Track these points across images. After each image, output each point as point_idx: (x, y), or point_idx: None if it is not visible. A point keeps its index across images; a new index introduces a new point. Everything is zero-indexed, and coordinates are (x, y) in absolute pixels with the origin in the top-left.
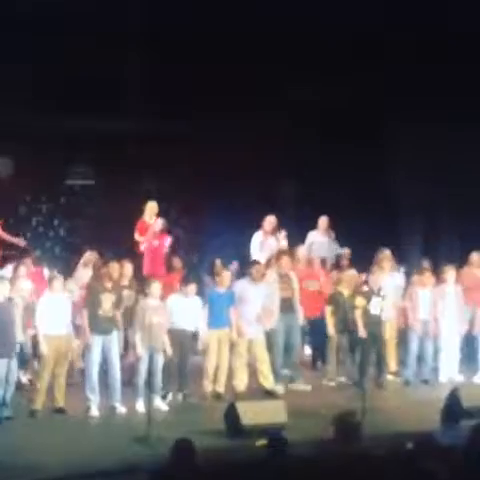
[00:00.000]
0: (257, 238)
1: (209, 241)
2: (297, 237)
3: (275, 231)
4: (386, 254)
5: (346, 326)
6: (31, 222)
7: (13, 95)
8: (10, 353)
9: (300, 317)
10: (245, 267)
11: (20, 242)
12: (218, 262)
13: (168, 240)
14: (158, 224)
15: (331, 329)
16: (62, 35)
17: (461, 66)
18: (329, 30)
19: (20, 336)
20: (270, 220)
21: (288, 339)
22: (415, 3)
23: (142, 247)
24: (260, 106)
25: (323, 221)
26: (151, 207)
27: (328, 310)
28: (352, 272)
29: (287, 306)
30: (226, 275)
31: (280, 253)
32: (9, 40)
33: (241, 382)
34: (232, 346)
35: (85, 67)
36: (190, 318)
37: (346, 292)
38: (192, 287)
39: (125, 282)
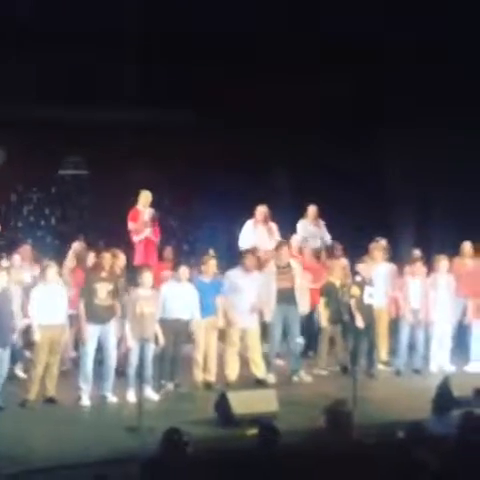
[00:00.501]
0: (248, 227)
1: (200, 230)
2: (289, 227)
3: (266, 221)
4: (379, 244)
5: (339, 316)
6: (22, 211)
7: (6, 85)
8: (3, 343)
9: (300, 308)
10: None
11: None
12: (211, 251)
13: (158, 231)
14: (148, 213)
15: (324, 320)
16: (59, 25)
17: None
18: (327, 25)
19: (20, 325)
20: (261, 209)
21: (287, 331)
22: None
23: (135, 238)
24: (252, 96)
25: (312, 210)
26: (145, 196)
27: (321, 301)
28: (342, 262)
29: (286, 297)
30: (212, 264)
31: (280, 244)
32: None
33: (232, 371)
34: (223, 335)
35: (80, 57)
36: (184, 306)
37: (338, 282)
38: (184, 270)
39: (118, 272)
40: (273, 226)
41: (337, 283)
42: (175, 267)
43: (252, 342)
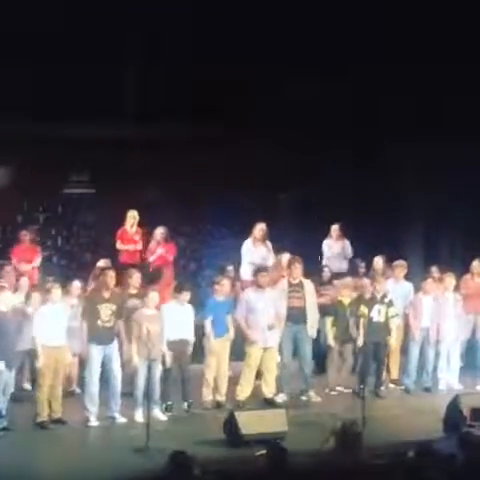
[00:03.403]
0: (247, 245)
1: (208, 248)
2: (297, 245)
3: (264, 239)
4: (401, 262)
5: (348, 335)
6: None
7: (12, 102)
8: (9, 364)
9: (310, 330)
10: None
11: None
12: (229, 268)
13: (174, 248)
14: (157, 233)
15: (331, 339)
16: (62, 41)
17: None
18: (331, 32)
19: (29, 344)
20: (260, 227)
21: (298, 350)
22: None
23: (150, 257)
24: (259, 111)
25: (334, 229)
26: (131, 216)
27: (328, 321)
28: (349, 280)
29: (297, 316)
30: (226, 283)
31: (292, 261)
32: (9, 45)
33: (244, 392)
34: (233, 355)
35: (83, 73)
36: (187, 326)
37: (347, 301)
38: (186, 294)
39: (132, 291)
40: (269, 244)
41: (346, 301)
42: (177, 288)
43: (270, 362)
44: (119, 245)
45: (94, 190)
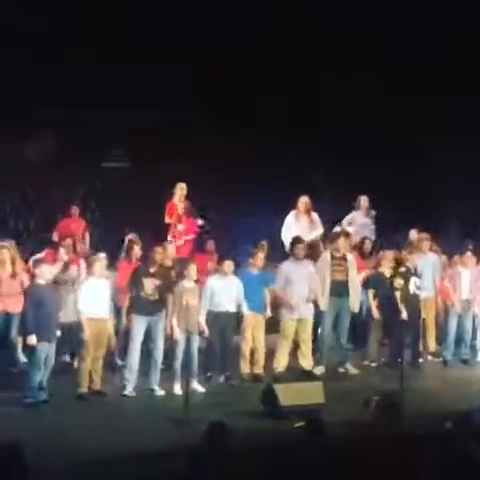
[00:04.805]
0: (290, 218)
1: (242, 223)
2: (330, 218)
3: (308, 211)
4: (425, 235)
5: (388, 307)
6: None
7: (50, 83)
8: (51, 337)
9: (352, 303)
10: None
11: None
12: (263, 243)
13: (195, 223)
14: (181, 208)
15: (375, 311)
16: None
17: None
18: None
19: (72, 317)
20: (303, 200)
21: (337, 323)
22: None
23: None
24: (290, 87)
25: (364, 200)
26: (180, 188)
27: (370, 293)
28: (392, 253)
29: (339, 290)
30: (260, 256)
31: (337, 234)
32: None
33: (281, 364)
34: (271, 327)
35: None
36: (231, 299)
37: (387, 272)
38: (229, 264)
39: (169, 264)
40: (315, 216)
41: (387, 273)
42: (219, 261)
43: (305, 334)
44: (168, 219)
45: (131, 164)
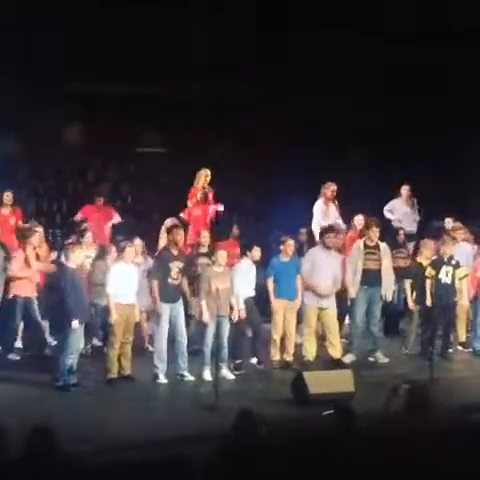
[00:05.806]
0: (319, 206)
1: (275, 209)
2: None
3: (334, 199)
4: (459, 224)
5: (424, 297)
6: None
7: (82, 64)
8: (81, 319)
9: (384, 292)
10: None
11: None
12: (302, 231)
13: (213, 208)
14: (200, 194)
15: (411, 302)
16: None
17: None
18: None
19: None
20: (332, 187)
21: (368, 312)
22: None
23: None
24: (326, 72)
25: (405, 189)
26: (205, 175)
27: (407, 282)
28: (430, 242)
29: (372, 279)
30: (291, 244)
31: (370, 223)
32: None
33: (309, 352)
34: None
35: (152, 37)
36: (250, 283)
37: (425, 262)
38: (257, 250)
39: (203, 250)
40: (336, 204)
41: (425, 263)
42: (248, 246)
43: (329, 322)
44: (189, 204)
45: (164, 149)
